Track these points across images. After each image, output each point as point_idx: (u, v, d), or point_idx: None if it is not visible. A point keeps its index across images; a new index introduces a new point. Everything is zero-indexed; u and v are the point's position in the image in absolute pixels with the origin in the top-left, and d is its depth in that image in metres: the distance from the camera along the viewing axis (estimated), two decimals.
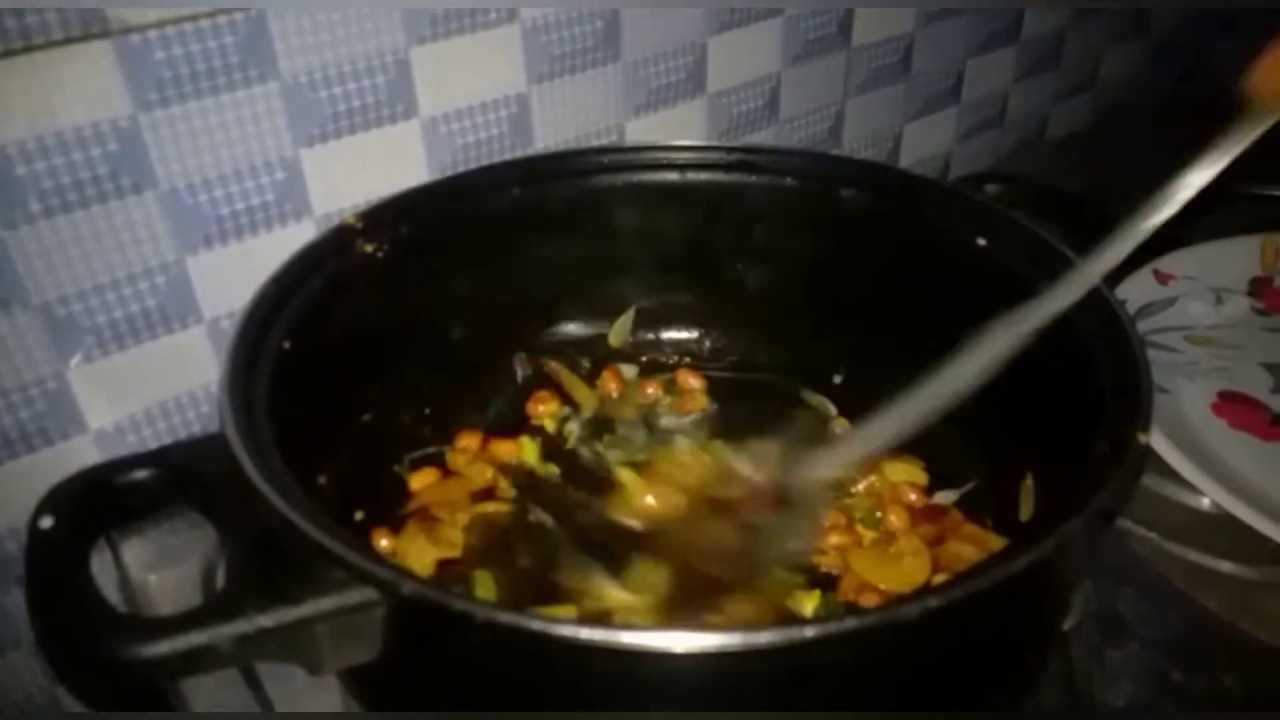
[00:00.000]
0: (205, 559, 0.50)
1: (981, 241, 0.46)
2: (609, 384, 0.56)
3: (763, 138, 0.72)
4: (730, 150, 0.54)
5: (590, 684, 0.29)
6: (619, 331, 0.58)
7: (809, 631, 0.26)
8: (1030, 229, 0.44)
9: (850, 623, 0.26)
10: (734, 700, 0.29)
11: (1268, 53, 0.31)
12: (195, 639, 0.29)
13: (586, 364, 0.57)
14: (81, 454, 0.51)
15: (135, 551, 0.51)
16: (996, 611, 0.30)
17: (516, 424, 0.54)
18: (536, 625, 0.27)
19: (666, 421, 0.55)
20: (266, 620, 0.30)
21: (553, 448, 0.53)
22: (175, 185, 0.49)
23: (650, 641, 0.27)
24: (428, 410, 0.52)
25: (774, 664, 0.27)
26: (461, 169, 0.56)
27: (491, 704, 0.32)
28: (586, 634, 0.27)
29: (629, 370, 0.57)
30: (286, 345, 0.40)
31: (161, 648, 0.29)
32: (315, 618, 0.30)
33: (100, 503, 0.34)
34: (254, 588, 0.31)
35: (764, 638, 0.26)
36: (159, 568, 0.50)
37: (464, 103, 0.56)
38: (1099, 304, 0.39)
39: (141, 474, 0.35)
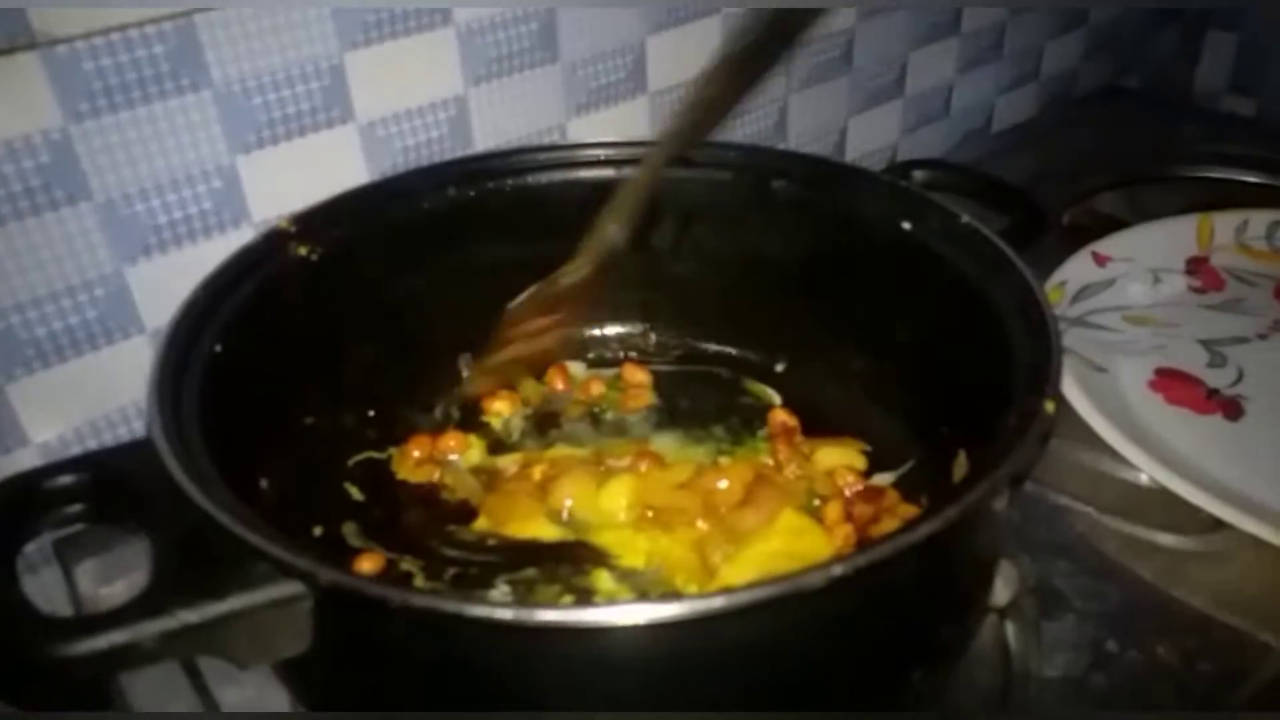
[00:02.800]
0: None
1: (906, 225, 0.46)
2: (555, 381, 0.57)
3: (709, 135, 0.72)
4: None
5: (511, 663, 0.30)
6: None
7: (717, 602, 0.27)
8: (949, 210, 0.45)
9: (755, 593, 0.26)
10: (650, 675, 0.29)
11: None
12: (118, 637, 0.30)
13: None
14: (23, 466, 0.51)
15: (85, 567, 0.51)
16: (907, 581, 0.30)
17: (464, 424, 0.54)
18: (451, 608, 0.27)
19: (612, 416, 0.56)
20: (191, 616, 0.30)
21: (500, 446, 0.54)
22: (111, 196, 0.49)
23: (563, 618, 0.27)
24: (371, 412, 0.52)
25: (687, 638, 0.28)
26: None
27: (423, 690, 0.32)
28: (501, 614, 0.27)
29: (576, 366, 0.58)
30: (218, 349, 0.41)
31: (86, 646, 0.29)
32: (241, 612, 0.31)
33: (26, 508, 0.34)
34: (178, 585, 0.31)
35: (673, 610, 0.27)
36: (110, 580, 0.51)
37: (401, 106, 0.57)
38: (1018, 284, 0.40)
39: (67, 479, 0.35)
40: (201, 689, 0.44)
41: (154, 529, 0.34)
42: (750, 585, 0.27)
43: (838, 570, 0.27)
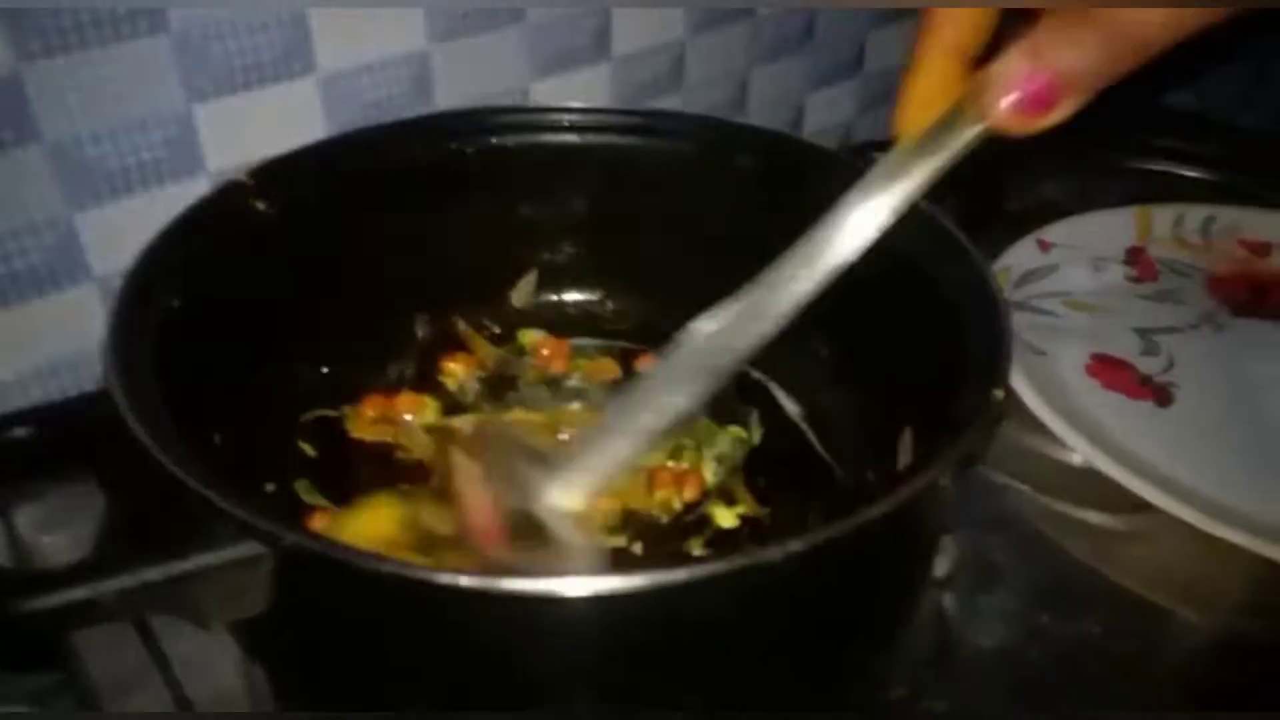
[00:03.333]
0: (98, 520, 0.49)
1: None
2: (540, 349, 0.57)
3: (667, 104, 0.73)
4: (629, 114, 0.54)
5: (474, 630, 0.30)
6: (522, 292, 0.59)
7: (680, 574, 0.27)
8: None
9: (715, 566, 0.27)
10: (610, 646, 0.30)
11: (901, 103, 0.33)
12: (79, 593, 0.29)
13: (492, 325, 0.58)
14: None
15: (26, 514, 0.50)
16: (859, 557, 0.31)
17: (417, 384, 0.54)
18: (418, 575, 0.28)
19: (573, 383, 0.56)
20: (152, 574, 0.30)
21: (456, 407, 0.54)
22: (61, 139, 0.48)
23: (525, 588, 0.28)
24: (325, 370, 0.52)
25: (649, 607, 0.29)
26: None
27: (380, 653, 0.33)
28: (465, 581, 0.28)
29: (538, 334, 0.58)
30: (175, 303, 0.40)
31: (45, 601, 0.29)
32: (201, 571, 0.31)
33: None
34: (137, 542, 0.31)
35: (640, 581, 0.28)
36: (51, 529, 0.50)
37: (363, 60, 0.56)
38: (972, 269, 0.42)
39: (21, 431, 0.35)
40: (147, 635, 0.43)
41: (109, 484, 0.34)
42: (711, 559, 0.27)
43: (795, 546, 0.28)
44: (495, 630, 0.30)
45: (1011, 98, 0.28)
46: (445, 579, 0.27)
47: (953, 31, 0.30)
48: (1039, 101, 0.28)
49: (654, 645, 0.30)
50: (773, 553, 0.28)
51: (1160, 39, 0.27)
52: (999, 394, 0.34)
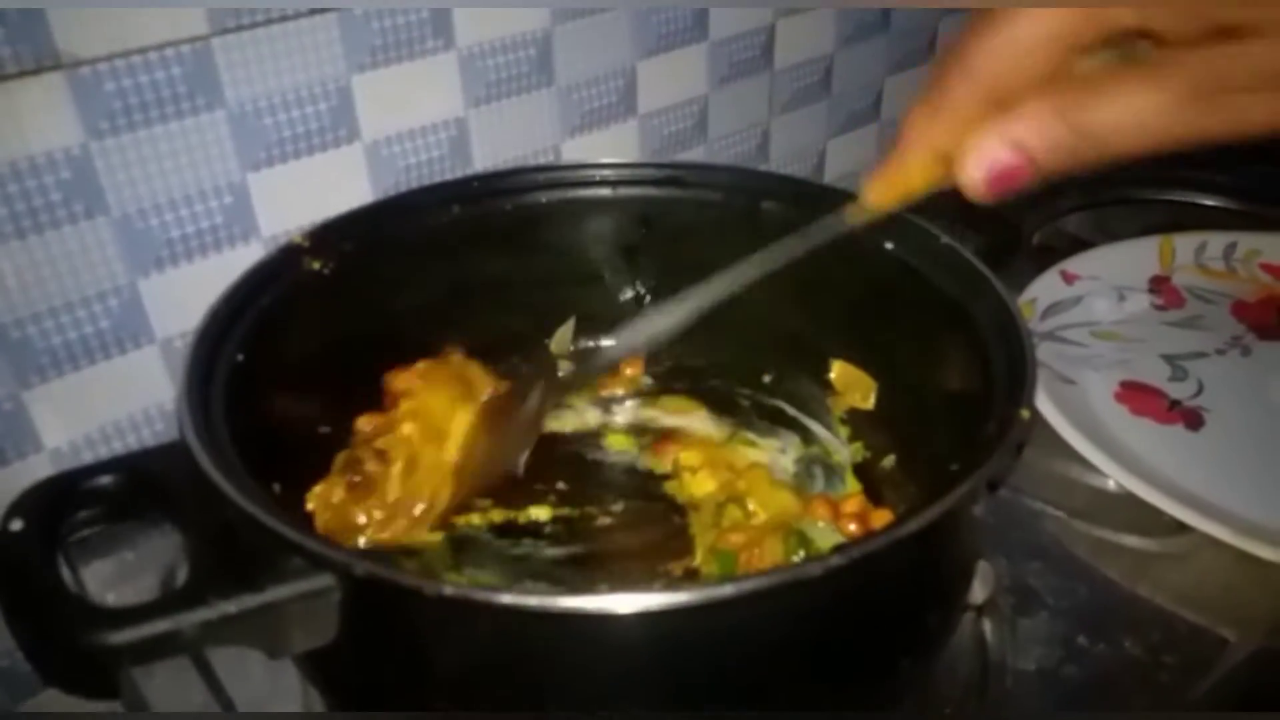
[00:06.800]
0: (162, 572, 0.52)
1: (889, 245, 0.49)
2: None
3: (693, 156, 0.75)
4: (659, 166, 0.57)
5: (538, 650, 0.32)
6: (560, 341, 0.61)
7: (727, 589, 0.29)
8: (929, 230, 0.48)
9: (759, 581, 0.29)
10: (660, 661, 0.31)
11: (882, 168, 0.37)
12: (162, 625, 0.31)
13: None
14: (37, 472, 0.52)
15: (94, 570, 0.52)
16: (896, 571, 0.33)
17: None
18: (480, 596, 0.30)
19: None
20: (229, 607, 0.32)
21: None
22: (126, 210, 0.51)
23: (585, 605, 0.29)
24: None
25: (698, 623, 0.30)
26: (404, 190, 0.59)
27: (449, 680, 0.35)
28: (529, 602, 0.29)
29: (567, 367, 0.60)
30: (240, 358, 0.42)
31: (131, 634, 0.31)
32: (275, 604, 0.33)
33: (66, 506, 0.36)
34: (216, 577, 0.33)
35: (688, 596, 0.29)
36: (117, 585, 0.52)
37: (404, 126, 0.59)
38: (994, 300, 0.43)
39: (105, 480, 0.37)
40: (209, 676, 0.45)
41: (187, 526, 0.36)
42: (754, 574, 0.29)
43: (835, 560, 0.29)
44: (551, 646, 0.31)
45: (981, 172, 0.32)
46: (507, 599, 0.29)
47: (939, 132, 0.34)
48: (1003, 179, 0.32)
49: (702, 660, 0.32)
50: (813, 567, 0.29)
51: (1125, 148, 0.31)
52: (1025, 414, 0.36)
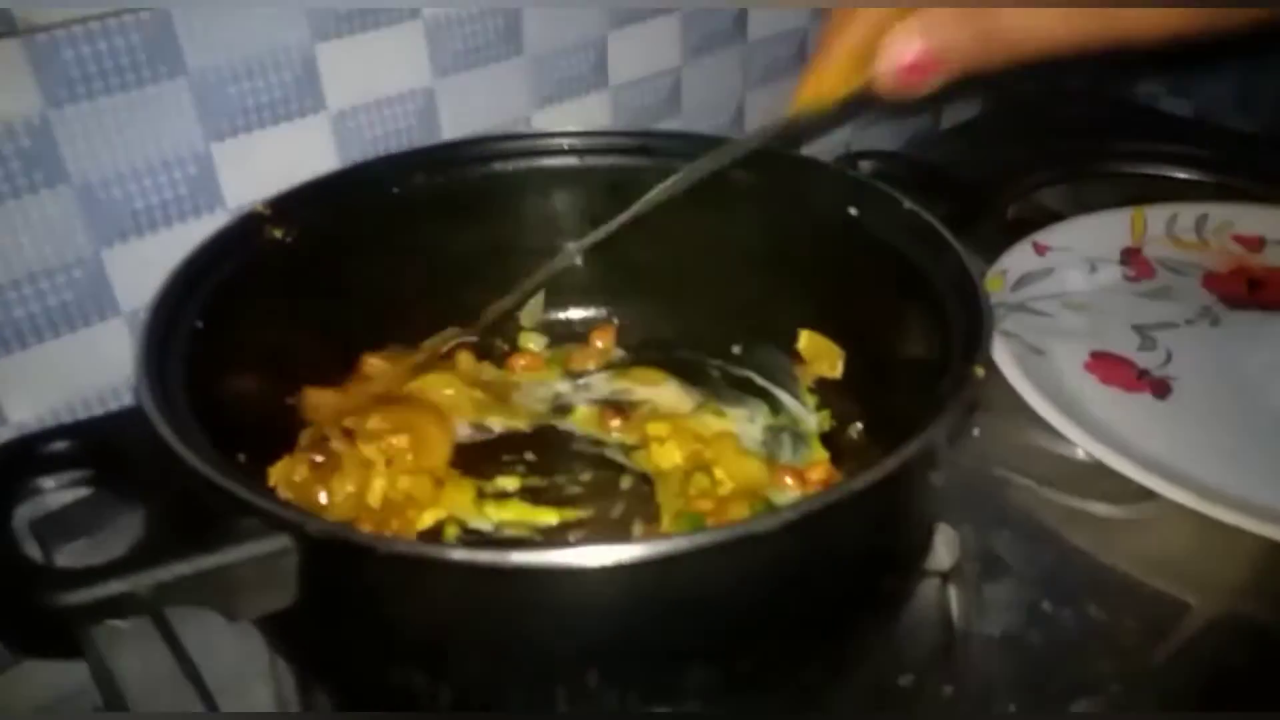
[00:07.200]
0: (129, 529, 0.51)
1: (853, 211, 0.49)
2: (517, 365, 0.59)
3: (667, 128, 0.75)
4: (627, 135, 0.57)
5: (494, 608, 0.32)
6: (530, 312, 0.61)
7: (680, 543, 0.29)
8: (892, 195, 0.48)
9: (714, 534, 0.29)
10: (615, 615, 0.32)
11: (807, 71, 0.41)
12: (116, 586, 0.31)
13: (502, 344, 0.60)
14: None
15: (63, 546, 0.52)
16: (851, 530, 0.33)
17: None
18: (432, 553, 0.30)
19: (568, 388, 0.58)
20: (184, 568, 0.32)
21: None
22: (89, 180, 0.51)
23: (536, 560, 0.29)
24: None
25: (651, 578, 0.30)
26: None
27: (408, 641, 0.35)
28: (481, 557, 0.29)
29: (538, 340, 0.60)
30: (200, 325, 0.42)
31: (85, 594, 0.31)
32: (231, 565, 0.32)
33: (21, 470, 0.36)
34: (171, 539, 0.33)
35: (641, 550, 0.29)
36: (89, 558, 0.52)
37: (371, 96, 0.59)
38: (953, 261, 0.43)
39: (60, 445, 0.37)
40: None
41: (144, 490, 0.36)
42: (705, 530, 0.29)
43: (789, 515, 0.30)
44: (507, 603, 0.31)
45: (894, 64, 0.36)
46: (458, 556, 0.29)
47: (857, 35, 0.38)
48: (915, 70, 0.36)
49: (662, 614, 0.32)
50: (767, 521, 0.29)
51: (1027, 49, 0.35)
52: (979, 371, 0.36)
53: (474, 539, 0.46)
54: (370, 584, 0.33)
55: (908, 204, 0.47)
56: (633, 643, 0.34)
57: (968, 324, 0.39)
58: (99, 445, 0.37)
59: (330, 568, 0.33)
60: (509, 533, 0.47)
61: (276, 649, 0.38)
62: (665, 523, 0.47)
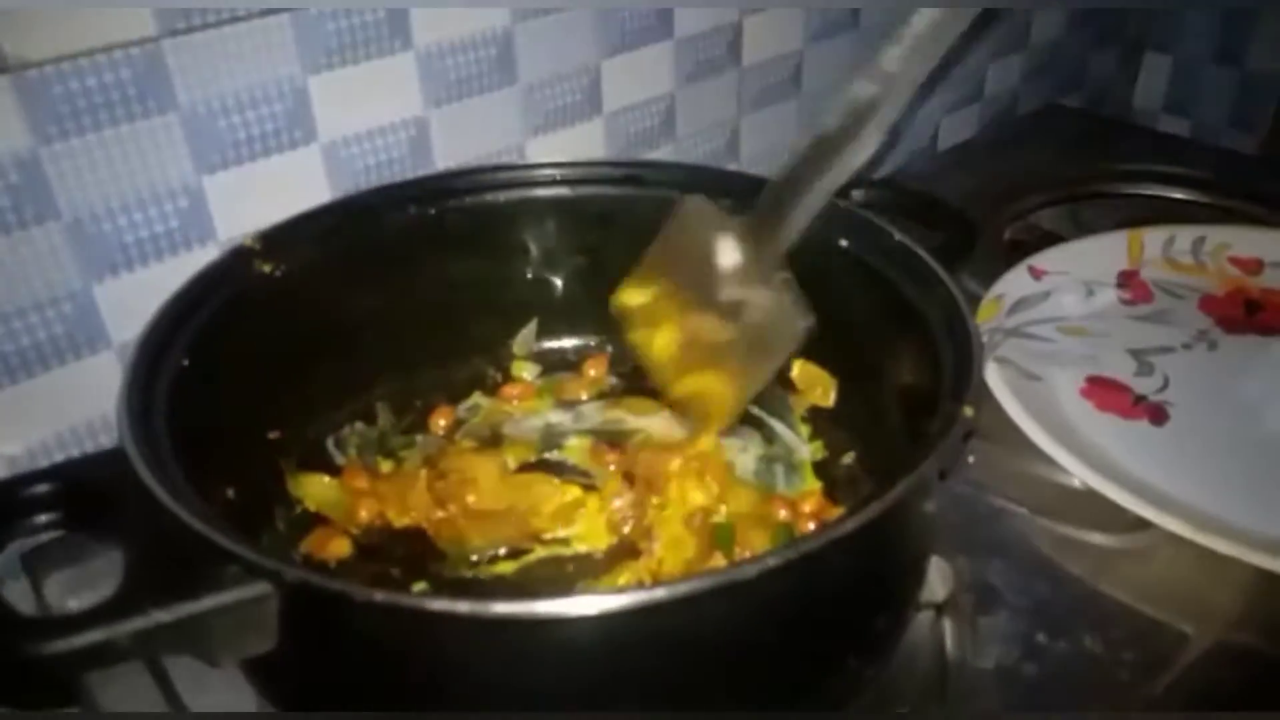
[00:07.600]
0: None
1: (843, 242, 0.49)
2: (509, 394, 0.59)
3: (661, 155, 0.75)
4: (618, 165, 0.57)
5: (474, 656, 0.32)
6: (523, 341, 0.61)
7: (660, 593, 0.29)
8: (882, 228, 0.48)
9: (694, 584, 0.29)
10: (599, 664, 0.31)
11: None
12: (95, 635, 0.31)
13: (494, 374, 0.60)
14: None
15: (53, 578, 0.52)
16: (840, 571, 0.33)
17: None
18: (407, 603, 0.29)
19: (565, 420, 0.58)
20: (164, 615, 0.32)
21: None
22: (79, 215, 0.51)
23: (517, 610, 0.29)
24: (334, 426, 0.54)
25: (636, 626, 0.30)
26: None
27: (389, 685, 0.34)
28: (460, 607, 0.29)
29: (531, 369, 0.60)
30: (185, 362, 0.42)
31: (63, 644, 0.31)
32: (211, 612, 0.32)
33: (3, 515, 0.36)
34: (151, 586, 0.32)
35: (624, 600, 0.29)
36: (78, 591, 0.52)
37: (363, 127, 0.59)
38: (944, 297, 0.43)
39: (41, 488, 0.36)
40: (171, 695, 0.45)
41: (125, 535, 0.35)
42: (688, 577, 0.29)
43: (771, 562, 0.29)
44: (488, 651, 0.31)
45: None
46: (436, 606, 0.29)
47: None
48: None
49: (642, 662, 0.32)
50: (747, 569, 0.29)
51: None
52: (968, 411, 0.35)
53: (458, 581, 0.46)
54: (349, 629, 0.33)
55: (898, 236, 0.47)
56: (624, 685, 0.33)
57: (957, 362, 0.39)
58: (80, 488, 0.37)
59: (310, 614, 0.32)
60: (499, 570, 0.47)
61: (261, 691, 0.38)
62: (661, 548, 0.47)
